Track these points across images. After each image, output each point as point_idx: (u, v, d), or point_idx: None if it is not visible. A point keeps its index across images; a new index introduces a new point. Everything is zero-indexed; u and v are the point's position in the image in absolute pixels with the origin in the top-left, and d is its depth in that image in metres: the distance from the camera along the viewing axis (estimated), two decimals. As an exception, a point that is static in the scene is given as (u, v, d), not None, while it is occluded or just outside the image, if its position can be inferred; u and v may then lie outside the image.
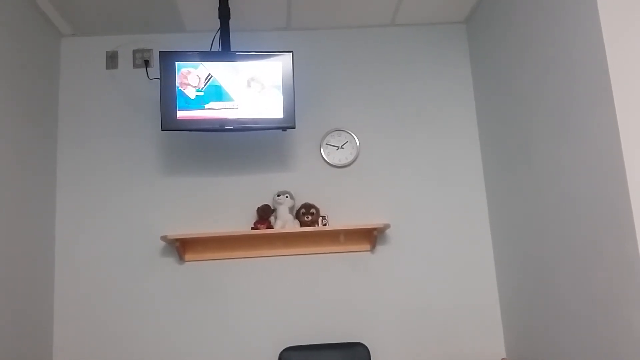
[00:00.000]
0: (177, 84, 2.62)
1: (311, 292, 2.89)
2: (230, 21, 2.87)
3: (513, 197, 2.67)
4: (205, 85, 2.63)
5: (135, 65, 3.05)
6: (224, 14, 2.77)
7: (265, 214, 2.84)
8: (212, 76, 2.63)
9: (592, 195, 1.96)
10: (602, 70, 1.85)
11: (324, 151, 3.01)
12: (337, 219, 2.95)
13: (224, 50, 2.74)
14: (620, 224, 1.80)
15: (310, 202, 2.91)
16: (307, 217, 2.83)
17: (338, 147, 3.02)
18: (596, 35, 1.88)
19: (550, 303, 2.33)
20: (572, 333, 2.16)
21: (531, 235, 2.49)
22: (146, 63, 3.03)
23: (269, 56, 2.68)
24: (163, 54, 2.64)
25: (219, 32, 2.80)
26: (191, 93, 2.62)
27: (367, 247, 2.93)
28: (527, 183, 2.51)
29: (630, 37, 1.83)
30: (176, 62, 2.64)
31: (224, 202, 2.95)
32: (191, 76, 2.63)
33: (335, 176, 3.00)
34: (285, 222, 2.81)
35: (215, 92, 2.64)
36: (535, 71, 2.36)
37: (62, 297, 2.83)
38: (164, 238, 2.73)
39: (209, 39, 2.95)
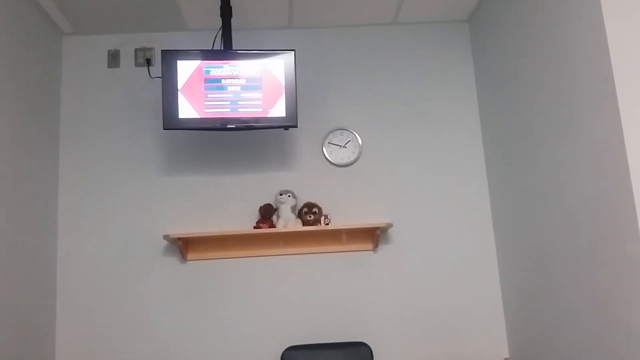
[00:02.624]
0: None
1: (313, 291, 2.89)
2: (232, 19, 2.86)
3: (516, 196, 2.66)
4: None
5: (137, 64, 3.05)
6: (226, 12, 2.76)
7: (267, 213, 2.84)
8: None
9: (595, 195, 1.95)
10: (605, 68, 1.84)
11: (326, 150, 3.00)
12: (339, 218, 2.94)
13: (226, 49, 2.74)
14: (623, 224, 1.79)
15: (313, 201, 2.90)
16: (310, 216, 2.82)
17: (340, 146, 3.01)
18: (599, 33, 1.87)
19: (553, 303, 2.33)
20: (575, 333, 2.15)
21: (534, 234, 2.48)
22: (148, 62, 3.03)
23: (271, 55, 2.68)
24: (165, 53, 2.64)
25: (220, 30, 2.79)
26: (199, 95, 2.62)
27: (370, 246, 2.92)
28: (529, 182, 2.50)
29: (633, 33, 1.82)
30: (178, 61, 2.63)
31: (226, 201, 2.94)
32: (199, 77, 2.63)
33: (337, 175, 3.00)
34: (287, 222, 2.81)
35: (217, 91, 2.63)
36: (537, 69, 2.35)
37: (65, 295, 2.83)
38: (166, 237, 2.73)
39: (211, 38, 2.95)
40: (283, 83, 2.67)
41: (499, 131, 2.83)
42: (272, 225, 2.83)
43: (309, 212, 2.83)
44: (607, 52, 1.83)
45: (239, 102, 2.64)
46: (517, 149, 2.62)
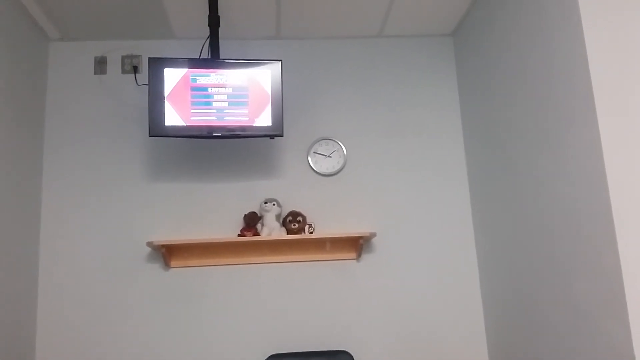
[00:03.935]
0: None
1: (296, 299, 2.90)
2: (220, 29, 2.88)
3: (497, 207, 2.70)
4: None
5: (123, 71, 3.05)
6: (214, 21, 2.78)
7: (252, 221, 2.85)
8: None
9: (574, 205, 1.99)
10: (584, 80, 1.89)
11: (311, 159, 3.03)
12: (323, 227, 2.96)
13: (213, 58, 2.75)
14: (602, 235, 1.83)
15: (297, 210, 2.92)
16: (294, 225, 2.84)
17: (326, 155, 3.04)
18: (579, 46, 1.92)
19: (533, 313, 2.36)
20: (554, 343, 2.19)
21: (515, 245, 2.52)
22: (135, 69, 3.03)
23: (258, 64, 2.70)
24: (152, 61, 2.65)
25: (208, 39, 2.81)
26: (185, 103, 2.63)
27: (353, 255, 2.94)
28: (510, 193, 2.54)
29: (612, 46, 1.87)
30: (165, 69, 2.64)
31: (211, 208, 2.95)
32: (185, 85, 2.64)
33: (322, 184, 3.02)
34: (271, 230, 2.82)
35: (204, 99, 2.65)
36: (518, 82, 2.41)
37: (46, 302, 2.81)
38: (149, 244, 2.72)
39: (198, 46, 2.96)
40: (269, 92, 2.70)
41: (481, 142, 2.88)
42: (257, 234, 2.83)
43: (293, 221, 2.85)
44: (586, 65, 1.88)
45: (225, 111, 2.66)
46: (499, 159, 2.66)
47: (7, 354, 2.49)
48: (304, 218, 2.88)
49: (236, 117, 2.66)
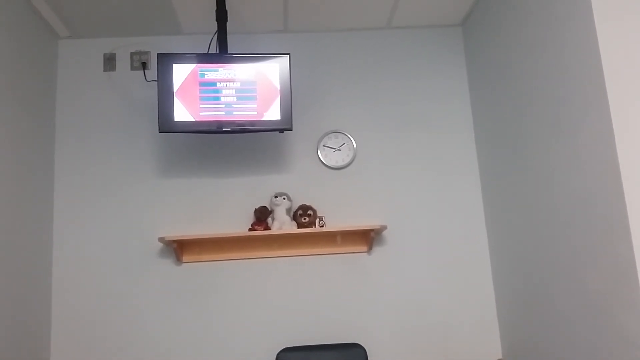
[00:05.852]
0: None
1: (308, 293, 2.90)
2: (228, 24, 2.88)
3: (509, 199, 2.68)
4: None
5: (132, 68, 3.06)
6: (221, 16, 2.78)
7: (262, 216, 2.85)
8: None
9: (587, 197, 1.97)
10: (596, 70, 1.87)
11: (321, 153, 3.02)
12: (334, 221, 2.96)
13: (222, 53, 2.75)
14: (615, 226, 1.82)
15: (308, 204, 2.92)
16: (305, 219, 2.84)
17: (335, 149, 3.03)
18: (590, 36, 1.89)
19: (546, 305, 2.35)
20: (567, 335, 2.18)
21: (527, 237, 2.50)
22: (144, 65, 3.04)
23: (266, 58, 2.70)
24: (160, 57, 2.65)
25: (216, 34, 2.81)
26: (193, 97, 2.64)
27: (364, 248, 2.94)
28: (522, 185, 2.52)
29: (624, 36, 1.84)
30: (174, 64, 2.65)
31: (222, 203, 2.96)
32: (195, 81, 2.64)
33: (332, 178, 3.02)
34: (282, 224, 2.82)
35: (212, 94, 2.65)
36: (529, 73, 2.38)
37: (60, 298, 2.84)
38: (161, 239, 2.74)
39: (207, 42, 2.96)
40: (278, 86, 2.69)
41: (491, 133, 2.86)
42: (267, 228, 2.84)
43: (303, 215, 2.85)
44: (598, 55, 1.86)
45: (233, 106, 2.66)
46: (510, 151, 2.64)
47: (22, 348, 2.52)
48: (315, 212, 2.88)
49: (245, 112, 2.66)
